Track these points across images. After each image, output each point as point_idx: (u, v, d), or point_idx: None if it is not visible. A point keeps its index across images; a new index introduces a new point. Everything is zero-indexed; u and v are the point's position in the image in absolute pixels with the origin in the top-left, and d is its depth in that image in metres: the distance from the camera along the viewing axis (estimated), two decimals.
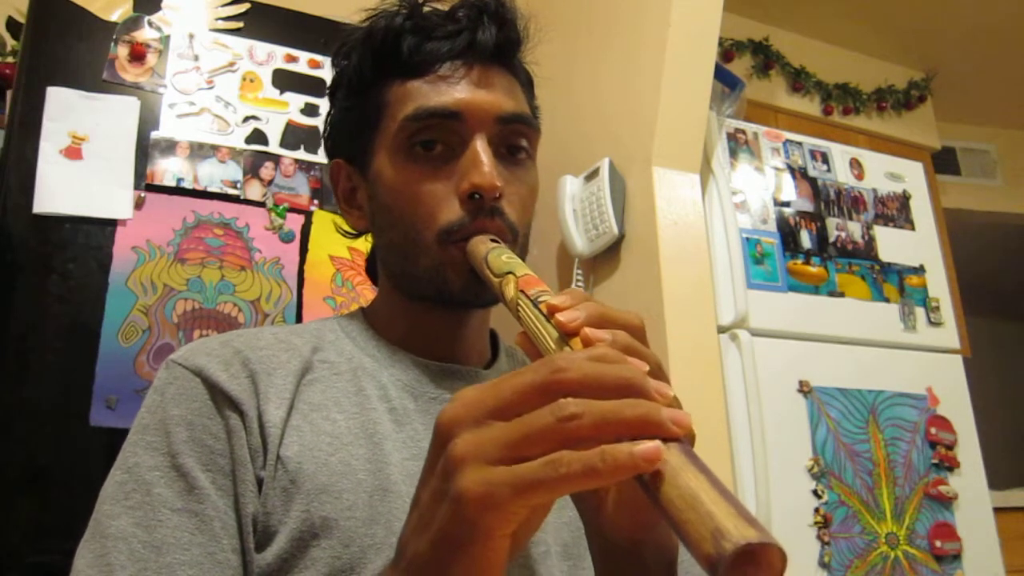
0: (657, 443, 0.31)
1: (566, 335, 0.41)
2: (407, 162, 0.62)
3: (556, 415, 0.33)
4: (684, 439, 0.33)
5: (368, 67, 0.65)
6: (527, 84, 0.69)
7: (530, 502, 0.33)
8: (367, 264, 0.75)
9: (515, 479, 0.32)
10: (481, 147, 0.60)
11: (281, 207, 1.51)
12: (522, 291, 0.49)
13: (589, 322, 0.41)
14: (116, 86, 1.46)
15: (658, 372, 0.40)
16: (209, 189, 1.47)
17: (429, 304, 0.64)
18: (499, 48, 0.64)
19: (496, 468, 0.33)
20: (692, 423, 0.33)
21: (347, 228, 0.72)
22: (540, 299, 0.46)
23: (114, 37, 1.48)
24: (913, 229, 1.99)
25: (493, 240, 0.59)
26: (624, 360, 0.36)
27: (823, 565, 1.51)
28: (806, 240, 1.80)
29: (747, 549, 0.28)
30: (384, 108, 0.64)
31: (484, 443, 0.34)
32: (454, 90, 0.62)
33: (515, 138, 0.64)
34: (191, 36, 1.55)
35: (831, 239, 1.84)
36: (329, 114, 0.71)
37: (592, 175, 1.68)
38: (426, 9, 0.65)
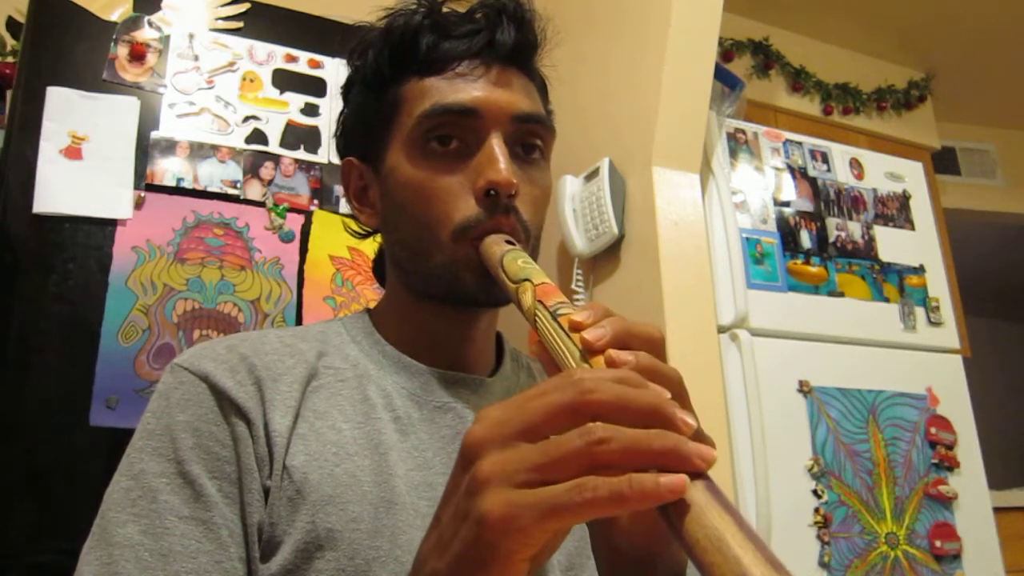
0: (683, 475, 0.31)
1: (589, 353, 0.41)
2: (422, 158, 0.61)
3: (585, 439, 0.32)
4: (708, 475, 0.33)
5: (385, 64, 0.64)
6: (541, 88, 0.69)
7: (553, 526, 0.33)
8: (374, 265, 0.74)
9: (540, 502, 0.32)
10: (497, 144, 0.60)
11: (281, 207, 1.51)
12: (540, 301, 0.48)
13: (614, 340, 0.40)
14: (116, 86, 1.46)
15: (680, 391, 0.40)
16: (209, 189, 1.47)
17: (439, 304, 0.64)
18: (517, 49, 0.64)
19: (521, 491, 0.33)
20: (716, 456, 0.33)
21: (356, 228, 0.72)
22: (560, 312, 0.45)
23: (114, 37, 1.48)
24: (913, 229, 1.99)
25: (508, 241, 0.58)
26: (647, 385, 0.36)
27: (823, 565, 1.51)
28: (806, 240, 1.80)
29: None
30: (400, 104, 0.63)
31: (511, 464, 0.34)
32: (472, 88, 0.61)
33: (530, 138, 0.64)
34: (191, 36, 1.55)
35: (831, 239, 1.84)
36: (342, 113, 0.70)
37: (592, 175, 1.68)
38: (444, 9, 0.64)
